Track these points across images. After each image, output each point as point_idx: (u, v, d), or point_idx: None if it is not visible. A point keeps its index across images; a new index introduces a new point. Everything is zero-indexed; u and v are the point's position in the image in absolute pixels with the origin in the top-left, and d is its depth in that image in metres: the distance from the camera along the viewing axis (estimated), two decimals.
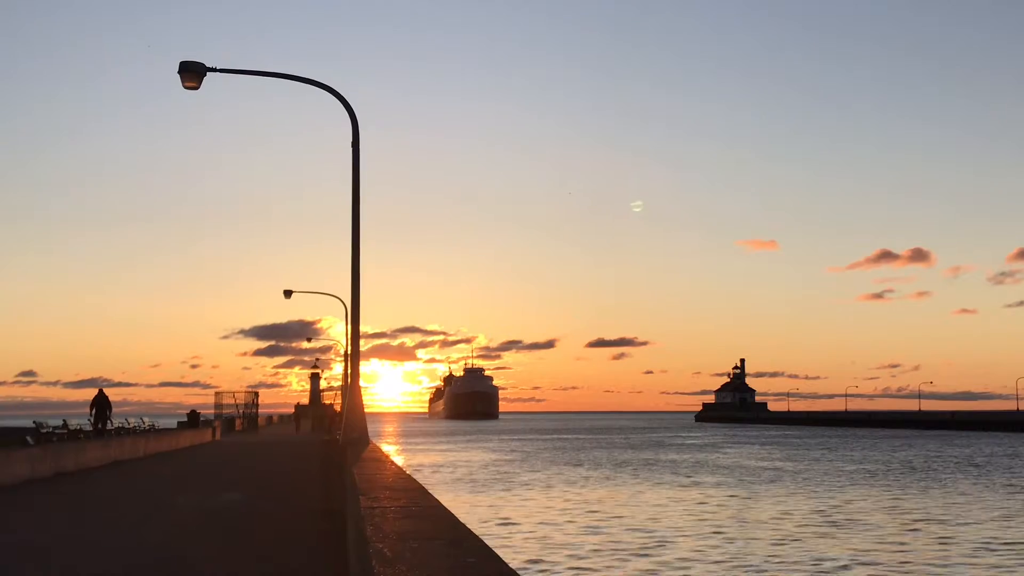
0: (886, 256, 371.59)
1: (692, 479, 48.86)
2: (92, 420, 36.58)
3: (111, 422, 38.06)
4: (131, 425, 46.38)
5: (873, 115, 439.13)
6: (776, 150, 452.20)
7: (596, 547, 25.62)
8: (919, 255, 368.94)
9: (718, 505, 36.22)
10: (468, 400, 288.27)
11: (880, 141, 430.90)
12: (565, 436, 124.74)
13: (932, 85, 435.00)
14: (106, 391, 36.74)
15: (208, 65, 19.64)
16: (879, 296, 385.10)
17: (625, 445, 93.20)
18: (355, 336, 19.32)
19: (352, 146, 19.28)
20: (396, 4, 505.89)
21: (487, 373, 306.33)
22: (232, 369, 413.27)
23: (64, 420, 39.72)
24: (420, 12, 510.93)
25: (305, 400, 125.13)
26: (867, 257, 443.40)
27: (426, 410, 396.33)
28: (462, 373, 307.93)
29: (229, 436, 57.92)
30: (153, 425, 50.69)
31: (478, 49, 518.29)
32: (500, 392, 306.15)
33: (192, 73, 19.52)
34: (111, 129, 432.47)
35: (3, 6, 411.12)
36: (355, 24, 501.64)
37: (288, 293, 56.86)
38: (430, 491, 7.85)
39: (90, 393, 38.31)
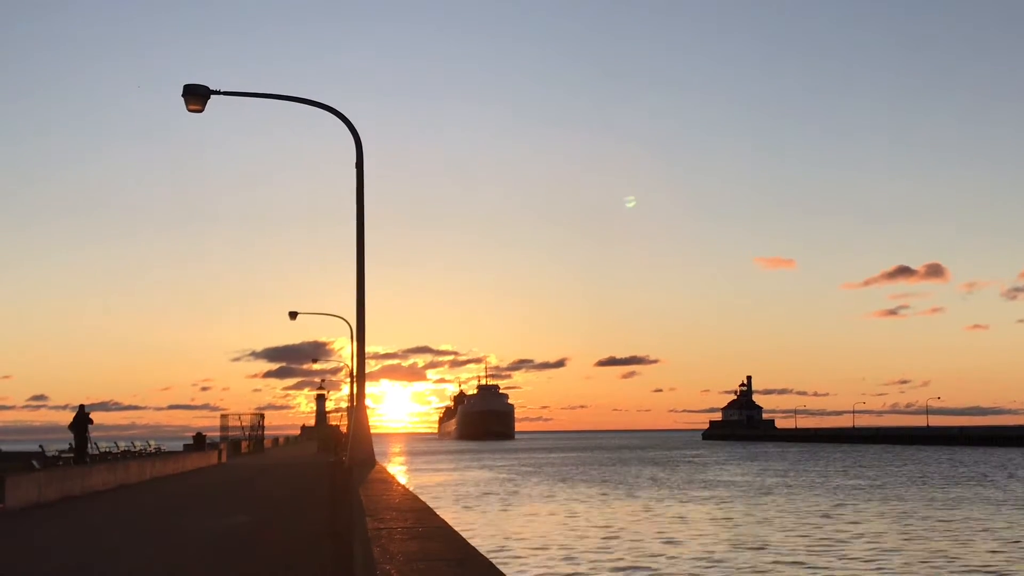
0: (902, 272, 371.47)
1: (696, 495, 48.67)
2: (73, 444, 34.67)
3: (93, 446, 37.08)
4: (137, 448, 46.37)
5: (890, 131, 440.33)
6: (792, 165, 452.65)
7: (604, 566, 25.45)
8: (934, 271, 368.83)
9: (720, 521, 36.06)
10: (482, 419, 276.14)
11: (896, 154, 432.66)
12: (580, 453, 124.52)
13: (947, 102, 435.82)
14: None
15: (213, 88, 19.72)
16: (893, 312, 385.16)
17: (636, 462, 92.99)
18: (360, 357, 19.28)
19: (356, 167, 19.32)
20: (400, 28, 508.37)
21: (503, 391, 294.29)
22: (242, 391, 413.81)
23: (41, 445, 38.85)
24: (423, 35, 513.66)
25: (311, 422, 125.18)
26: (884, 272, 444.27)
27: (435, 430, 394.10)
28: (474, 391, 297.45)
29: (235, 458, 57.84)
30: (159, 448, 50.67)
31: (482, 65, 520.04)
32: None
33: (196, 96, 19.57)
34: (119, 152, 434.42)
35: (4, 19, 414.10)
36: (358, 47, 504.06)
37: (293, 315, 56.93)
38: (437, 511, 7.80)
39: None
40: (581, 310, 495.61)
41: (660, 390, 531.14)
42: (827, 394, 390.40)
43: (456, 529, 6.22)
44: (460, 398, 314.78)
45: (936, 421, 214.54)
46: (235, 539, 14.63)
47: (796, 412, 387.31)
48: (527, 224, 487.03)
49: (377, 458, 19.97)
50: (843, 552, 27.88)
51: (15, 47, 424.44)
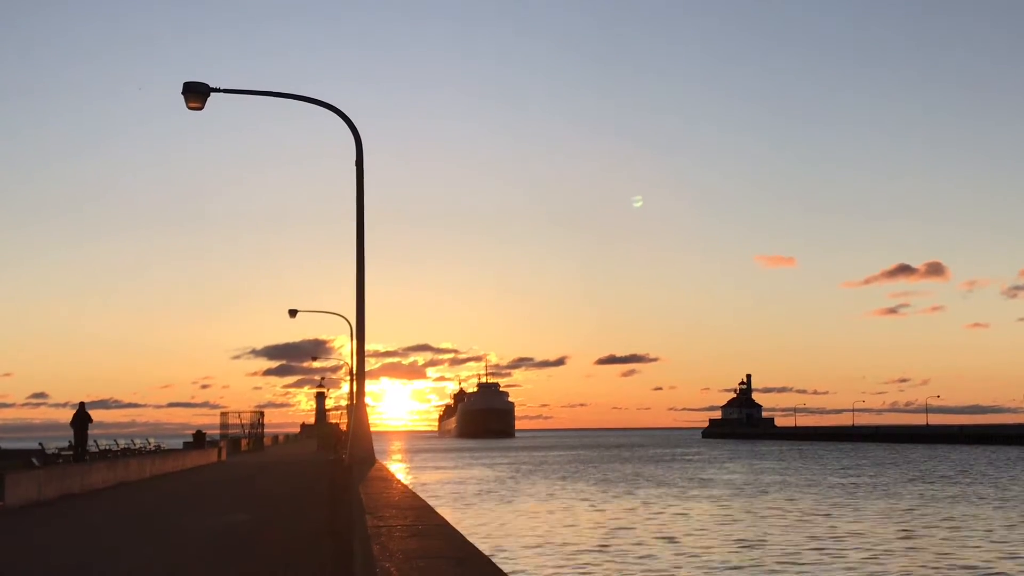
0: (903, 270, 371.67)
1: (696, 494, 48.69)
2: (73, 442, 34.66)
3: (93, 444, 36.93)
4: (136, 446, 46.35)
5: (891, 129, 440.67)
6: (793, 163, 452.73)
7: (604, 564, 25.46)
8: (935, 269, 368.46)
9: (719, 519, 36.08)
10: (482, 417, 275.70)
11: (896, 152, 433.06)
12: (580, 452, 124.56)
13: (948, 100, 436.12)
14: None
15: (212, 86, 19.71)
16: (893, 311, 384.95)
17: (635, 460, 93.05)
18: (360, 355, 19.28)
19: (356, 165, 19.33)
20: (401, 27, 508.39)
21: (502, 389, 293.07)
22: (242, 389, 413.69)
23: (41, 443, 38.83)
24: (424, 33, 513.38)
25: (311, 420, 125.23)
26: (884, 271, 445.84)
27: (435, 428, 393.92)
28: (474, 389, 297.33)
29: (235, 456, 57.83)
30: (159, 446, 50.65)
31: (483, 63, 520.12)
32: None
33: (196, 93, 19.57)
34: (119, 150, 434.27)
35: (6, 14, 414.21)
36: (359, 45, 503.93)
37: (293, 313, 56.97)
38: (437, 509, 7.80)
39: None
40: (581, 308, 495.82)
41: (660, 388, 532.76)
42: (827, 392, 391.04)
43: (456, 527, 6.22)
44: (460, 396, 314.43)
45: (936, 420, 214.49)
46: (235, 537, 14.63)
47: (796, 410, 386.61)
48: (527, 222, 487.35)
49: (377, 456, 19.97)
50: (842, 551, 27.89)
51: (14, 44, 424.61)
